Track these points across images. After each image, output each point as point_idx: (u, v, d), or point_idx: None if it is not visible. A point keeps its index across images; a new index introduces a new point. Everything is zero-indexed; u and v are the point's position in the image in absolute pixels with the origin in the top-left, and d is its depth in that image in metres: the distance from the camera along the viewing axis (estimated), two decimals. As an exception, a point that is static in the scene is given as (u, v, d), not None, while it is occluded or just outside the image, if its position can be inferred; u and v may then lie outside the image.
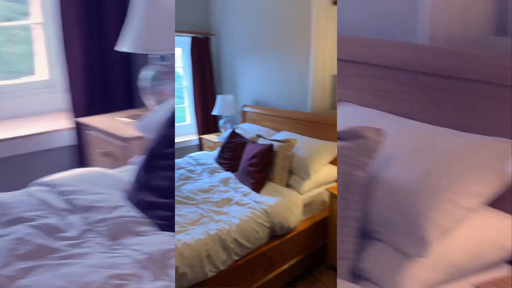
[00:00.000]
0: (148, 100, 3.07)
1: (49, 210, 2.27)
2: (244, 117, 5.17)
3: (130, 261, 1.87)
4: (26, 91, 3.94)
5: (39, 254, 1.94)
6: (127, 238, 2.04)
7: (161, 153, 2.20)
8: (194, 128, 5.85)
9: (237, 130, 4.51)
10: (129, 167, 2.66)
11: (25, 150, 3.65)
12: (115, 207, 2.23)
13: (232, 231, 2.63)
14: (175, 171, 4.08)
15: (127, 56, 3.70)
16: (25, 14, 3.95)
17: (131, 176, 2.34)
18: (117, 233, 2.07)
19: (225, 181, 3.54)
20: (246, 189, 3.32)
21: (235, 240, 2.62)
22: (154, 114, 2.66)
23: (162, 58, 3.04)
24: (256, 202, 3.03)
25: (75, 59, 3.67)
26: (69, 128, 3.73)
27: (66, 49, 3.65)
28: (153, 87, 3.02)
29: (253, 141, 3.92)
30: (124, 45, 2.94)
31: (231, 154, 4.09)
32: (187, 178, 3.80)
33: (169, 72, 3.00)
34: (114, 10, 3.67)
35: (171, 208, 2.09)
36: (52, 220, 2.18)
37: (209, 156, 4.42)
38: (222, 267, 2.50)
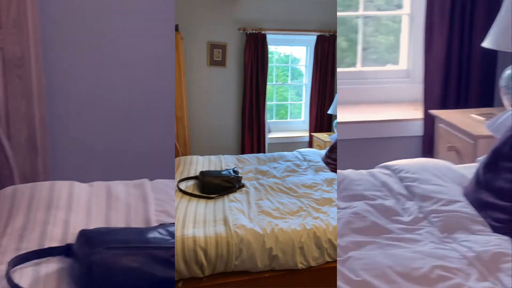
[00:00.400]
0: (506, 100, 2.92)
1: (388, 193, 2.38)
2: None
3: (458, 256, 1.86)
4: (387, 78, 4.13)
5: (373, 231, 2.07)
6: (459, 233, 2.04)
7: (505, 154, 2.11)
8: (307, 125, 5.98)
9: None
10: (474, 164, 2.61)
11: (377, 135, 3.85)
12: (452, 201, 2.23)
13: (328, 232, 2.64)
14: (282, 163, 4.30)
15: (491, 53, 3.60)
16: (398, 6, 4.12)
17: (472, 174, 2.30)
18: (450, 226, 2.07)
19: (329, 182, 3.51)
20: None
21: (330, 241, 2.62)
22: (506, 114, 2.61)
23: None
24: None
25: (436, 51, 3.70)
26: (421, 119, 3.79)
27: (428, 41, 3.70)
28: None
29: None
30: (489, 42, 2.84)
31: None
32: (293, 171, 3.89)
33: None
34: (482, 4, 3.63)
35: (510, 212, 1.98)
36: (389, 202, 2.29)
37: (317, 154, 4.43)
38: (313, 263, 2.57)
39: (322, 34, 5.91)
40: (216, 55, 5.73)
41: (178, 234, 2.42)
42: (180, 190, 3.21)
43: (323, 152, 4.50)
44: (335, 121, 5.27)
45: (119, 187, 2.36)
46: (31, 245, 1.92)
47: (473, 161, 2.78)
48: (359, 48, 4.22)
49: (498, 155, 2.17)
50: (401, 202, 2.31)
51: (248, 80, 5.75)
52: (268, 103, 6.13)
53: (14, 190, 2.33)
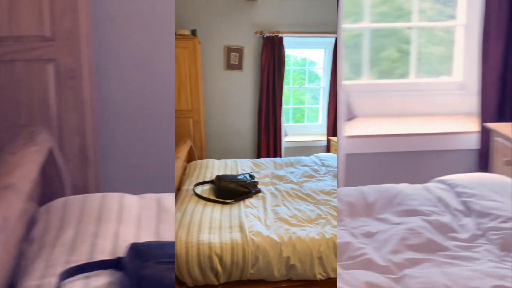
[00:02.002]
0: None
1: (444, 208, 2.31)
2: None
3: (518, 276, 1.78)
4: (441, 90, 4.04)
5: (428, 248, 2.00)
6: (519, 252, 1.95)
7: None
8: (324, 129, 5.98)
9: None
10: None
11: (430, 148, 3.76)
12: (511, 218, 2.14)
13: None
14: (299, 168, 4.21)
15: None
16: (450, 17, 4.03)
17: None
18: (510, 244, 1.99)
19: None
20: None
21: None
22: None
23: None
24: None
25: (492, 63, 3.61)
26: (476, 132, 3.68)
27: (484, 52, 3.61)
28: None
29: None
30: None
31: None
32: (311, 176, 3.78)
33: None
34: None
35: None
36: (446, 218, 2.22)
37: (335, 158, 4.26)
38: (332, 275, 2.43)
39: None
40: (233, 59, 5.73)
41: (193, 239, 2.37)
42: (196, 194, 3.18)
43: None
44: None
45: (169, 199, 2.35)
46: (81, 258, 1.92)
47: None
48: (413, 59, 4.15)
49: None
50: (458, 218, 2.24)
51: (264, 83, 5.75)
52: (284, 106, 6.11)
53: (65, 202, 2.34)
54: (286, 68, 5.98)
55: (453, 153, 3.82)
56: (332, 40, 5.92)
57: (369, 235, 2.23)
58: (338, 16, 3.61)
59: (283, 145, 5.98)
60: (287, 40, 5.86)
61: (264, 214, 2.94)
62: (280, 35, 5.75)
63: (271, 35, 5.73)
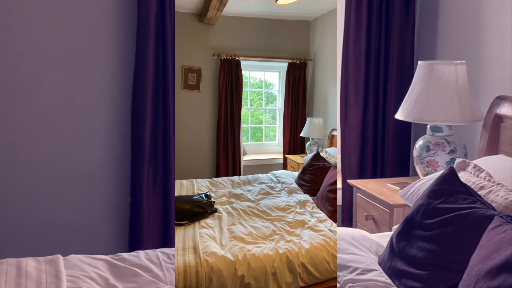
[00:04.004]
0: (419, 170, 3.00)
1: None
2: (332, 141, 5.13)
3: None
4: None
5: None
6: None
7: (417, 222, 2.03)
8: (281, 147, 6.20)
9: (321, 153, 3.95)
10: (389, 233, 2.55)
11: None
12: (367, 270, 2.16)
13: (301, 255, 2.59)
14: (256, 185, 4.31)
15: (406, 124, 3.63)
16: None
17: (387, 242, 2.21)
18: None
19: (302, 203, 3.51)
20: (322, 215, 3.23)
21: (303, 265, 2.57)
22: (418, 183, 2.60)
23: (436, 128, 2.97)
24: (331, 230, 2.91)
25: (352, 123, 3.67)
26: (339, 189, 3.68)
27: (343, 114, 3.73)
28: (424, 157, 2.95)
29: (335, 167, 3.75)
30: (401, 114, 2.96)
31: (312, 177, 3.76)
32: (267, 193, 3.89)
33: (442, 143, 2.93)
34: (395, 79, 3.66)
35: (424, 280, 1.93)
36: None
37: (291, 175, 4.50)
38: None
39: (293, 61, 6.09)
40: (190, 79, 5.88)
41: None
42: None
43: (296, 173, 4.52)
44: (308, 143, 5.50)
45: (30, 263, 2.33)
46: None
47: (389, 229, 2.77)
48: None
49: (411, 223, 2.12)
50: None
51: (222, 103, 5.88)
52: (243, 126, 6.25)
53: None
54: (245, 89, 6.20)
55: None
56: (285, 64, 6.13)
57: None
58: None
59: (242, 163, 6.08)
60: (244, 63, 6.04)
61: (219, 233, 2.97)
62: (237, 58, 5.93)
63: (228, 57, 5.89)
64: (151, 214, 3.36)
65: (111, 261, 2.31)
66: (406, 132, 3.74)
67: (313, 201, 3.63)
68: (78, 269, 2.28)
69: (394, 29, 3.63)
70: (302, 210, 3.40)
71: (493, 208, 1.96)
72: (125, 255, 2.38)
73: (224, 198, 3.85)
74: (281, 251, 2.57)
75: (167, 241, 3.38)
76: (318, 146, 5.44)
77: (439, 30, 3.53)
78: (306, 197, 3.73)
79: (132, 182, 3.35)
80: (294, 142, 6.17)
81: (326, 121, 5.58)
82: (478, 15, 3.14)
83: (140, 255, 2.37)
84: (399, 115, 2.99)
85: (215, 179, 4.55)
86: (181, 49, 5.64)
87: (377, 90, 3.70)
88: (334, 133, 5.16)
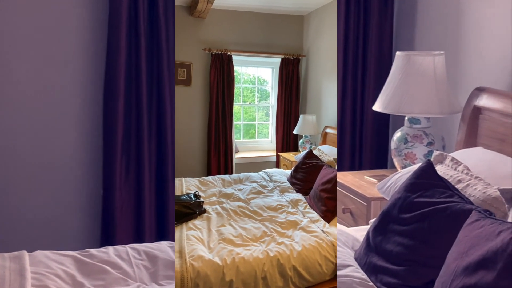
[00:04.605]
0: (396, 162, 2.95)
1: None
2: (325, 138, 5.01)
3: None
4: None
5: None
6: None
7: (395, 217, 1.98)
8: (274, 144, 6.10)
9: (314, 151, 4.03)
10: (366, 227, 2.48)
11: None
12: (343, 265, 2.12)
13: (292, 258, 2.49)
14: (248, 184, 4.20)
15: (384, 116, 3.55)
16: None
17: (363, 236, 2.16)
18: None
19: (294, 203, 3.42)
20: (315, 215, 3.13)
21: (294, 268, 2.48)
22: (396, 176, 2.55)
23: (414, 120, 2.91)
24: (324, 231, 2.83)
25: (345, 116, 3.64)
26: None
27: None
28: (402, 149, 2.89)
29: (329, 165, 3.69)
30: (379, 105, 2.89)
31: (305, 176, 3.77)
32: (258, 192, 3.77)
33: (419, 136, 2.88)
34: (373, 70, 3.58)
35: (400, 276, 1.89)
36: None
37: (283, 174, 4.39)
38: None
39: (286, 57, 5.98)
40: (180, 74, 5.73)
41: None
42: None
43: (289, 171, 4.43)
44: (301, 141, 5.39)
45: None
46: None
47: (367, 223, 2.73)
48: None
49: (387, 217, 2.07)
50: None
51: (214, 100, 5.73)
52: (236, 122, 6.13)
53: None
54: (237, 85, 6.05)
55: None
56: (278, 60, 6.02)
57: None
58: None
59: (234, 161, 5.96)
60: (236, 58, 5.90)
61: (208, 235, 2.85)
62: (229, 53, 5.78)
63: (219, 52, 5.74)
64: (124, 207, 3.25)
65: (79, 257, 2.22)
66: (384, 124, 3.66)
67: (305, 201, 3.52)
68: (43, 266, 2.19)
69: (372, 18, 3.54)
70: (294, 210, 3.31)
71: (470, 202, 1.91)
72: (93, 251, 2.29)
73: (214, 198, 3.72)
74: (271, 254, 2.48)
75: (140, 235, 3.29)
76: (311, 143, 5.35)
77: (417, 20, 3.46)
78: (298, 196, 3.64)
79: (104, 174, 3.24)
80: (287, 140, 6.08)
81: (320, 118, 5.49)
82: (457, 6, 3.09)
83: (109, 251, 2.29)
84: (377, 107, 2.93)
85: (205, 177, 4.40)
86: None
87: (355, 81, 3.63)
88: (327, 130, 5.06)
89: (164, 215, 3.29)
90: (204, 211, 3.28)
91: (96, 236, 3.33)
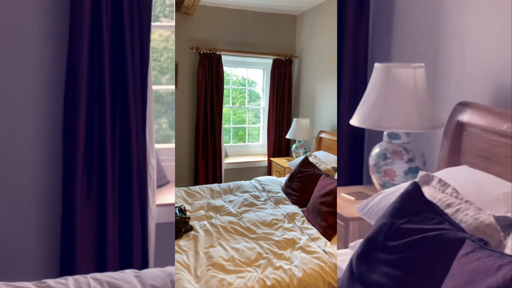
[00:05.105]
0: (375, 179, 2.77)
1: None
2: (320, 144, 4.77)
3: None
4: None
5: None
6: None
7: (381, 244, 1.83)
8: (265, 149, 5.88)
9: (310, 158, 3.99)
10: (347, 250, 2.31)
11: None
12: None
13: (292, 286, 2.27)
14: (239, 195, 3.95)
15: (359, 129, 3.34)
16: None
17: (346, 263, 2.01)
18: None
19: (291, 217, 3.22)
20: (314, 232, 2.94)
21: None
22: (378, 197, 2.37)
23: (394, 135, 2.75)
24: (325, 252, 2.65)
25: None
26: None
27: None
28: (381, 165, 2.72)
29: (327, 174, 3.47)
30: (356, 119, 2.74)
31: (301, 186, 3.61)
32: (251, 204, 3.52)
33: (399, 151, 2.71)
34: (348, 80, 3.35)
35: None
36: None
37: (277, 182, 4.12)
38: None
39: (278, 58, 5.75)
40: None
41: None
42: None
43: (283, 179, 4.20)
44: (294, 146, 5.13)
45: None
46: None
47: (345, 246, 2.56)
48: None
49: (372, 245, 1.92)
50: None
51: (202, 101, 5.45)
52: (225, 125, 5.88)
53: None
54: (226, 87, 5.78)
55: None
56: (270, 61, 5.79)
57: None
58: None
59: (223, 166, 5.68)
60: (225, 58, 5.62)
61: (195, 260, 2.56)
62: (218, 52, 5.49)
63: (208, 52, 5.45)
64: (85, 229, 2.94)
65: (35, 290, 2.01)
66: (359, 138, 3.43)
67: (302, 214, 3.32)
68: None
69: (347, 25, 3.27)
70: (291, 225, 3.08)
71: (462, 230, 1.77)
72: (51, 282, 2.06)
73: (202, 212, 3.41)
74: (269, 283, 2.26)
75: (103, 263, 2.97)
76: (305, 149, 5.10)
77: (394, 29, 3.31)
78: (295, 208, 3.40)
79: (64, 191, 2.91)
80: (279, 144, 5.84)
81: (314, 122, 5.26)
82: (436, 14, 2.92)
83: (69, 282, 2.06)
84: (354, 121, 2.78)
85: (191, 187, 4.07)
86: (156, 41, 5.30)
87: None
88: (322, 135, 4.80)
89: (129, 239, 2.87)
90: (191, 228, 2.99)
91: (57, 262, 3.01)
